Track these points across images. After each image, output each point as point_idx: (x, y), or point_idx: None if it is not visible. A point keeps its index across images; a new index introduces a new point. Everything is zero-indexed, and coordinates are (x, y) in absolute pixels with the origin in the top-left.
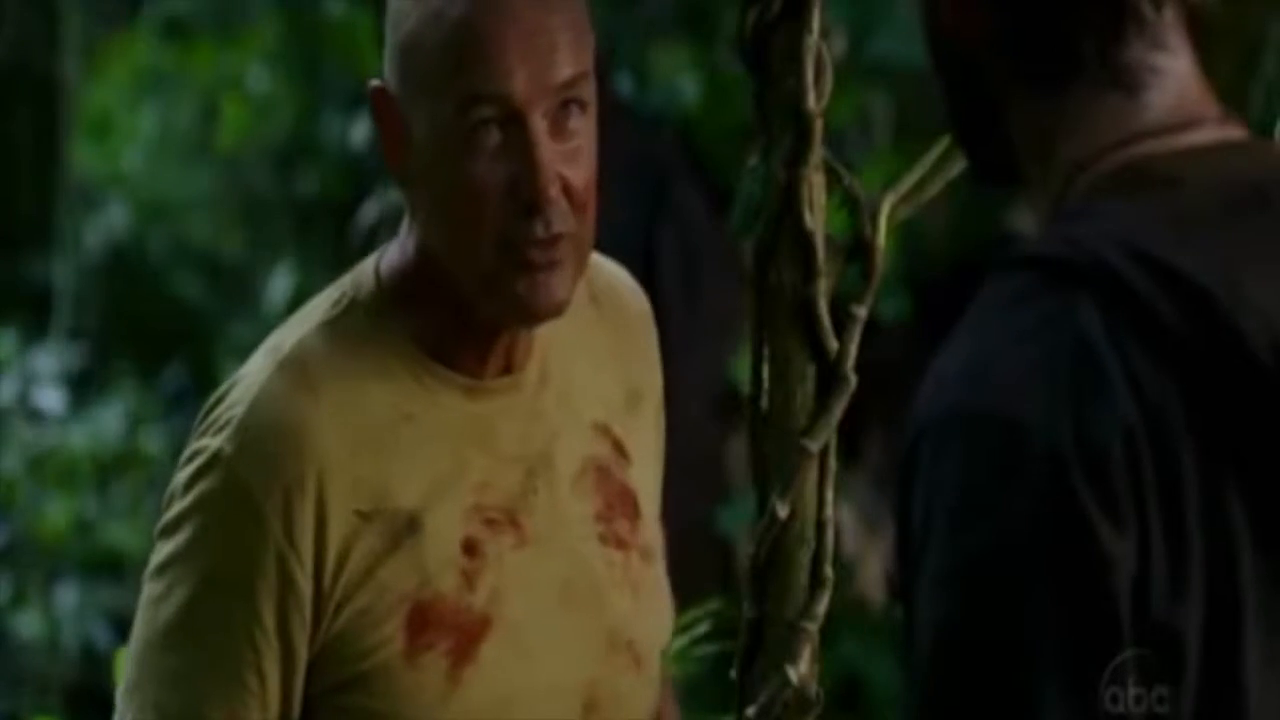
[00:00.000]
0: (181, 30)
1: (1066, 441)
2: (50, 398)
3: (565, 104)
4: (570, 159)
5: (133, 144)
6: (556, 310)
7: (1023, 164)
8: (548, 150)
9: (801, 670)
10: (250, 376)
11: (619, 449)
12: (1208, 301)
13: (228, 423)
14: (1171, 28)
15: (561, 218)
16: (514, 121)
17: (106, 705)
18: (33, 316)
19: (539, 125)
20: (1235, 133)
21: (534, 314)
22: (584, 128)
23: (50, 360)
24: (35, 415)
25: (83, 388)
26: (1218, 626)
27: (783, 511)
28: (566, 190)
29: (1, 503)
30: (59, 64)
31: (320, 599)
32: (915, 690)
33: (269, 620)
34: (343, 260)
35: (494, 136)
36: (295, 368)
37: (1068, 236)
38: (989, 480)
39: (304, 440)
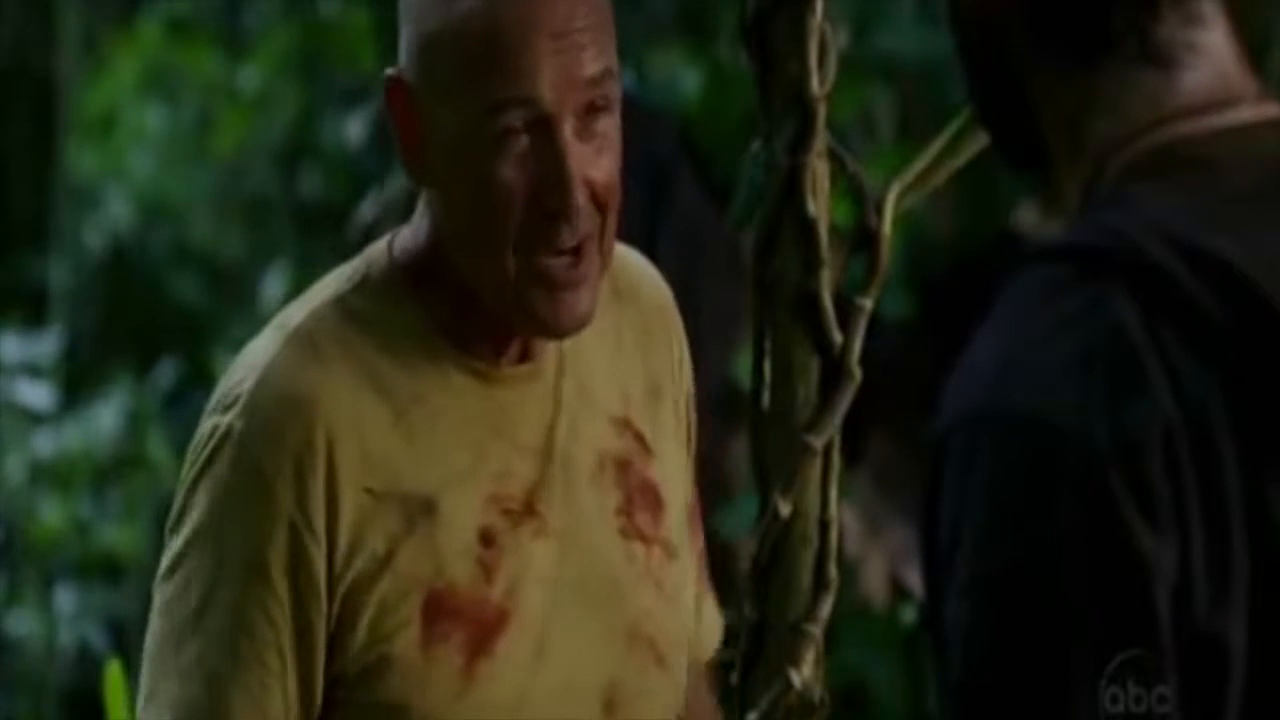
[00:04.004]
0: (184, 29)
1: (1102, 442)
2: (39, 395)
3: (592, 103)
4: (596, 159)
5: (136, 143)
6: (581, 325)
7: (1050, 147)
8: (576, 156)
9: (805, 674)
10: (257, 351)
11: (641, 442)
12: (1248, 287)
13: (236, 399)
14: (1206, 0)
15: (586, 219)
16: (541, 125)
17: (102, 710)
18: (30, 316)
19: (566, 129)
20: (1274, 110)
21: (559, 332)
22: (609, 126)
23: (42, 356)
24: (28, 414)
25: (79, 388)
26: (1263, 629)
27: (785, 509)
28: (591, 191)
29: None
30: (56, 62)
31: (333, 578)
32: (951, 691)
33: (284, 594)
34: (343, 260)
35: (520, 140)
36: (303, 341)
37: (1100, 224)
38: (1021, 483)
39: (313, 410)
